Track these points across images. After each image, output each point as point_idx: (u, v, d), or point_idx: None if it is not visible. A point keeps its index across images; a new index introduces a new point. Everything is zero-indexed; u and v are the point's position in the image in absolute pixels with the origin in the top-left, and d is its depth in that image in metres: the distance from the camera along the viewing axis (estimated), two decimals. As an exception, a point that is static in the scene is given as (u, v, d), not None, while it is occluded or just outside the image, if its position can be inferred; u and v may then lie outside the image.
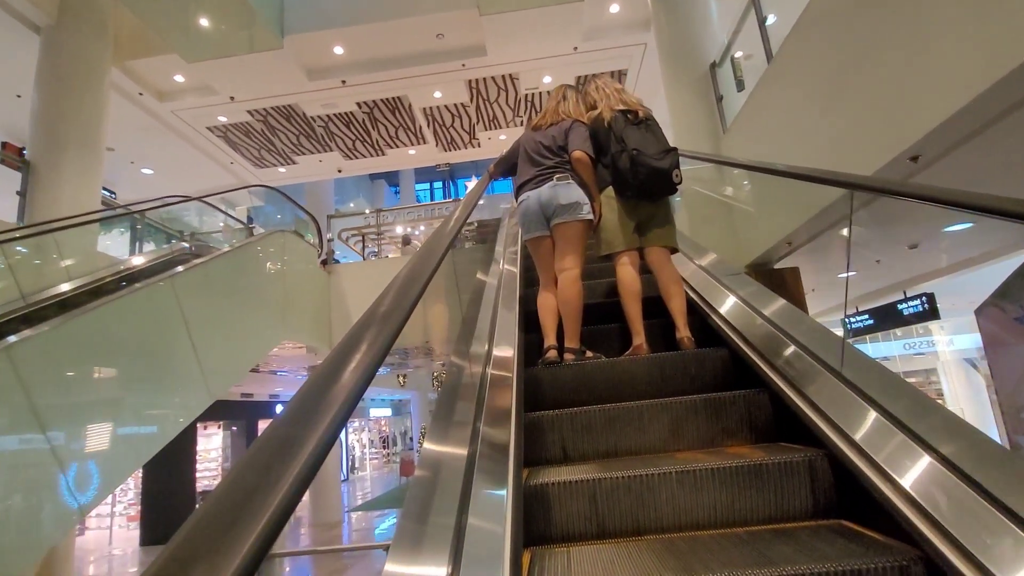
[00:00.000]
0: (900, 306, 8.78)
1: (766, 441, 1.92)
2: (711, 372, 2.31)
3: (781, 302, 2.35)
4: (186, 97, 9.28)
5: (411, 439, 25.77)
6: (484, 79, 9.54)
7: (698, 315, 2.78)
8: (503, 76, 9.51)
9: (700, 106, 6.33)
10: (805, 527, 1.44)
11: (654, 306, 2.74)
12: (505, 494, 1.32)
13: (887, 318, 9.16)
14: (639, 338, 2.57)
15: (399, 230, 12.56)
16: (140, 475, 12.29)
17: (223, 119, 9.95)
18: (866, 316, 9.73)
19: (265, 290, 6.58)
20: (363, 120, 10.41)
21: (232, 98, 9.30)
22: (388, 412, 26.80)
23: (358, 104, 9.85)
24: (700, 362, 2.34)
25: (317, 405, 0.67)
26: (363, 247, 11.40)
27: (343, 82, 9.07)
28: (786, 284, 5.57)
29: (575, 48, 8.90)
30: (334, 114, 10.07)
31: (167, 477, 11.75)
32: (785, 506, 1.51)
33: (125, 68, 8.44)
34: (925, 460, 1.27)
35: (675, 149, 2.73)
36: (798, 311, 2.25)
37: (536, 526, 1.56)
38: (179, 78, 8.93)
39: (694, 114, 6.37)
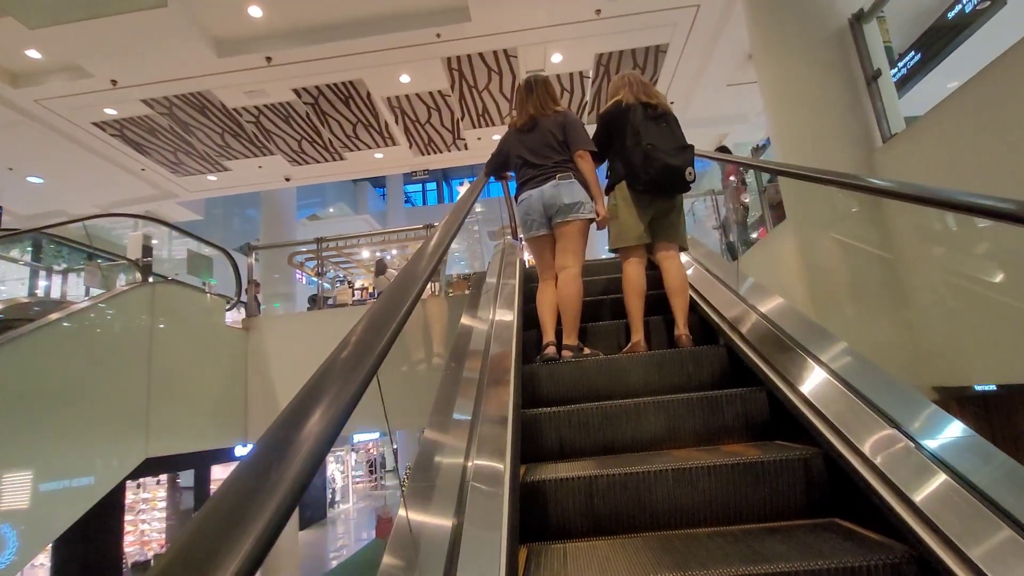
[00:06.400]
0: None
1: (763, 439, 1.94)
2: (708, 370, 2.32)
3: (778, 299, 2.34)
4: (50, 81, 6.62)
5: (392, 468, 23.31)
6: (469, 57, 6.82)
7: (697, 313, 2.77)
8: (495, 53, 6.79)
9: (831, 90, 3.62)
10: (800, 525, 1.48)
11: (654, 303, 2.80)
12: (502, 491, 1.32)
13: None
14: (638, 335, 2.61)
15: (365, 254, 9.91)
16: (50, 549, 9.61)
17: (111, 112, 7.29)
18: None
19: (108, 384, 4.28)
20: (306, 114, 7.73)
21: (114, 82, 6.65)
22: (375, 435, 24.40)
23: (296, 92, 7.19)
24: (698, 360, 2.34)
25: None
26: (322, 272, 8.63)
27: (268, 60, 6.42)
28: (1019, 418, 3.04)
29: (598, 12, 6.19)
30: (265, 105, 7.42)
31: (84, 552, 9.14)
32: (781, 504, 1.54)
33: (-54, 40, 5.77)
34: (920, 460, 1.29)
35: (691, 147, 2.72)
36: (796, 309, 2.22)
37: (532, 523, 1.57)
38: (33, 54, 6.27)
39: (819, 105, 3.66)
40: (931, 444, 1.31)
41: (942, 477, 1.22)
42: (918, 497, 1.20)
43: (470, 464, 1.43)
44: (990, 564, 1.02)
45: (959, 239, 2.88)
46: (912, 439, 1.34)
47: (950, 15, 5.39)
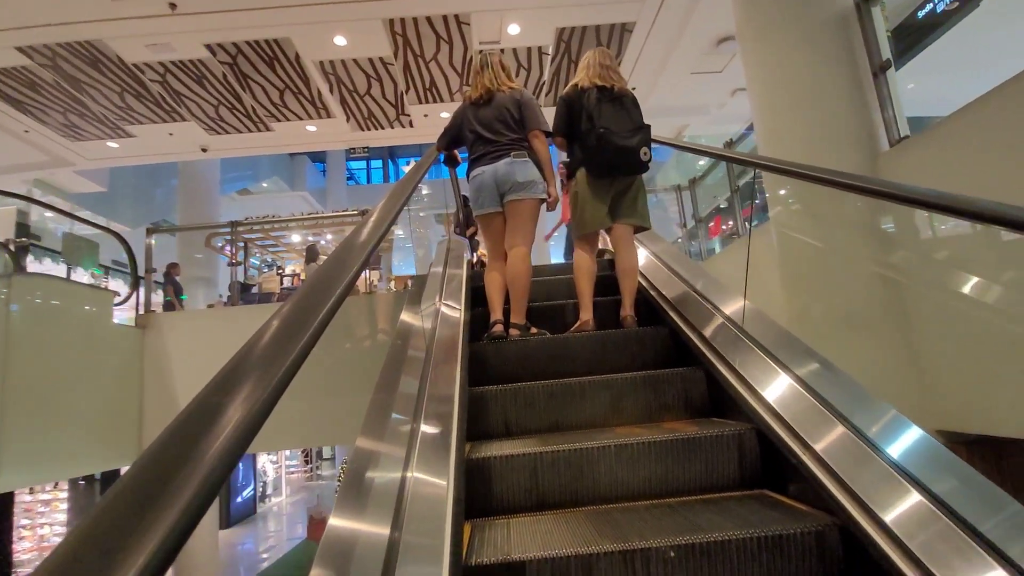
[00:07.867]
0: None
1: (701, 416, 2.02)
2: (652, 350, 2.40)
3: (716, 282, 2.44)
4: None
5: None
6: (415, 21, 6.01)
7: (642, 294, 2.85)
8: (444, 19, 6.02)
9: (830, 82, 3.14)
10: (732, 497, 1.55)
11: (603, 285, 2.90)
12: (448, 468, 1.32)
13: None
14: (587, 313, 2.67)
15: (296, 238, 8.96)
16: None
17: (-23, 60, 6.00)
18: None
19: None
20: (223, 75, 6.70)
21: (-25, 24, 5.39)
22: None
23: (210, 48, 6.16)
24: (642, 340, 2.43)
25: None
26: (238, 262, 7.67)
27: (172, 7, 5.37)
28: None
29: (562, -21, 5.52)
30: (172, 62, 6.32)
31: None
32: (715, 477, 1.61)
33: None
34: (846, 436, 1.35)
35: (647, 127, 2.73)
36: (735, 295, 2.24)
37: (478, 499, 1.58)
38: None
39: (815, 98, 3.18)
40: (859, 421, 1.36)
41: (867, 452, 1.27)
42: (842, 470, 1.26)
43: (416, 442, 1.40)
44: (903, 529, 1.09)
45: (982, 260, 2.46)
46: (842, 417, 1.40)
47: (920, 14, 5.10)
